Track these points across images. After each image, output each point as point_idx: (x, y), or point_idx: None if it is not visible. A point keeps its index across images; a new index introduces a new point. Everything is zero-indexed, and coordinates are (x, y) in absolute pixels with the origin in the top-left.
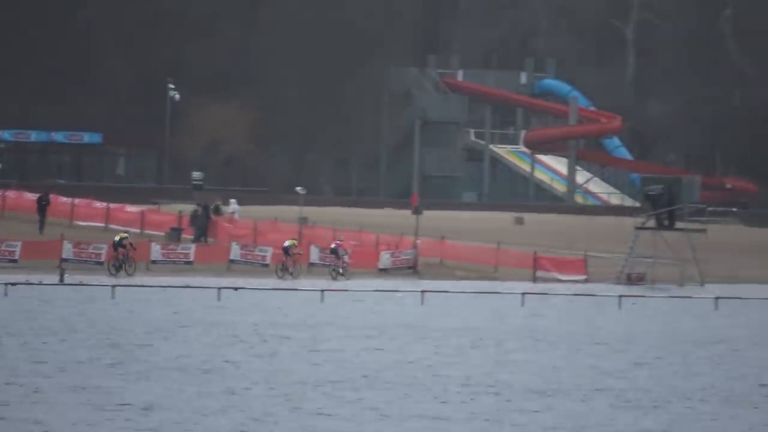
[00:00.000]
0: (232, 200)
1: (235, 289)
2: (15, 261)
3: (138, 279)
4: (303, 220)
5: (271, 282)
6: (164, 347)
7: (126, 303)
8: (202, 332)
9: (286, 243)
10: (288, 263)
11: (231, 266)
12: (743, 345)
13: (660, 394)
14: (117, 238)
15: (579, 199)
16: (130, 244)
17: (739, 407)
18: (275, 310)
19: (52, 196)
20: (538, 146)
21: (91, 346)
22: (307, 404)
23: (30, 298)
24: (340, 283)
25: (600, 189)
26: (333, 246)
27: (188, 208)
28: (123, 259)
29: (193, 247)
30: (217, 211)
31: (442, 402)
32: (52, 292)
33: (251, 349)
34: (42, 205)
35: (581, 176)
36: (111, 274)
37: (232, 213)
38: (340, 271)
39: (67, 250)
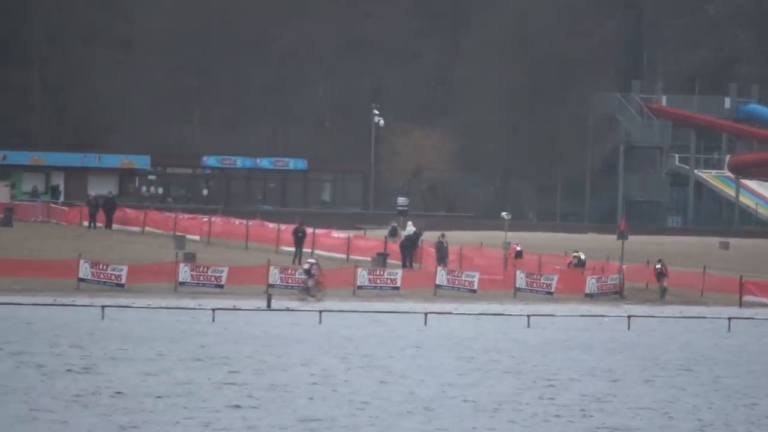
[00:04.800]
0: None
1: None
2: (221, 286)
3: (342, 304)
4: (507, 246)
5: (480, 307)
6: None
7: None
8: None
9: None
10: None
11: (437, 291)
12: None
13: None
14: (306, 265)
15: None
16: (319, 270)
17: None
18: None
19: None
20: (742, 171)
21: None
22: None
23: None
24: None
25: None
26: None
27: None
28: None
29: (400, 272)
30: (394, 233)
31: None
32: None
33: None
34: (299, 237)
35: None
36: (302, 299)
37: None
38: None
39: (274, 275)
